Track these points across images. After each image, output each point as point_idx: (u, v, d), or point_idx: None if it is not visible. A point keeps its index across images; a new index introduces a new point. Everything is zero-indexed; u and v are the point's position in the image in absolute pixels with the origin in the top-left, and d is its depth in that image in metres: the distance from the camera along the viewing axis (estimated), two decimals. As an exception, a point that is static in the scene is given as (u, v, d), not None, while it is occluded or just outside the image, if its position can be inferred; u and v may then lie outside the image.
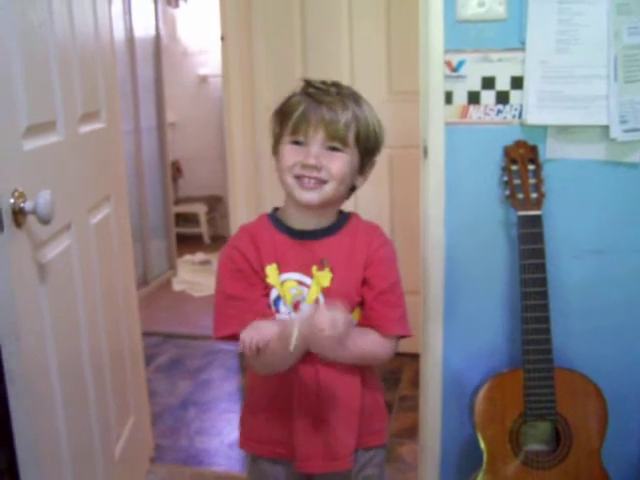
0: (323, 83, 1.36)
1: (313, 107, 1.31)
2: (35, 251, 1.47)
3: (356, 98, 1.37)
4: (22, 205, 1.35)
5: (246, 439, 1.50)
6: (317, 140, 1.31)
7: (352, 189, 1.44)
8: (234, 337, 1.34)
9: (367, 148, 1.37)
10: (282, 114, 1.36)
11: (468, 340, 1.98)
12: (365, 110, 1.37)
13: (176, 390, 3.12)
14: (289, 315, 1.37)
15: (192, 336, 3.71)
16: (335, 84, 1.37)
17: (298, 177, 1.32)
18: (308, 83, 1.36)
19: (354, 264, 1.38)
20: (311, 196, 1.32)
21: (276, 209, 1.45)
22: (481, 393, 1.84)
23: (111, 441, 1.98)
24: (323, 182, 1.32)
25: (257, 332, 1.24)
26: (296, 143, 1.33)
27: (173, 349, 3.61)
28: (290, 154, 1.33)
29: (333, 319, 1.19)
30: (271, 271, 1.36)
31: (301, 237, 1.39)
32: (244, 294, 1.36)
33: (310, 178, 1.31)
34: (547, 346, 1.75)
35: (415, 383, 2.36)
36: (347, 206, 1.50)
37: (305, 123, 1.31)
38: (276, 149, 1.39)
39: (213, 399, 3.01)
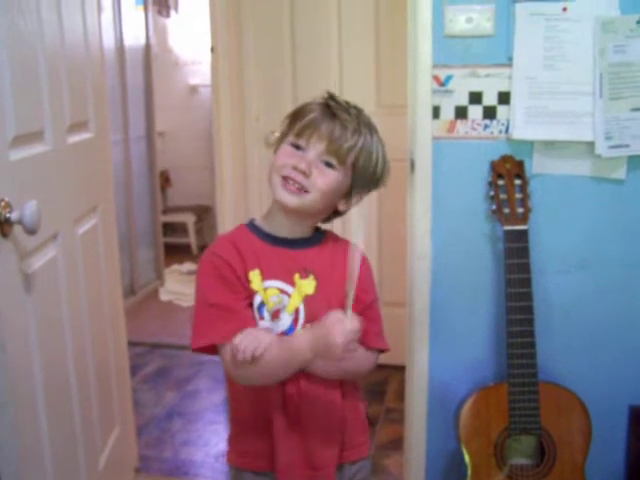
0: (346, 102, 1.35)
1: (327, 118, 1.31)
2: (21, 261, 1.46)
3: (372, 128, 1.36)
4: (8, 215, 1.35)
5: (233, 453, 1.48)
6: (316, 150, 1.30)
7: (336, 212, 1.43)
8: (213, 349, 1.33)
9: (362, 177, 1.35)
10: (294, 115, 1.36)
11: (454, 353, 1.99)
12: (374, 142, 1.35)
13: (162, 401, 3.10)
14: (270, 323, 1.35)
15: (179, 346, 3.68)
16: (357, 107, 1.36)
17: (284, 178, 1.31)
18: (331, 96, 1.35)
19: (336, 277, 1.37)
20: (290, 199, 1.31)
21: (253, 220, 1.44)
22: (466, 406, 1.84)
23: (95, 451, 1.97)
24: (305, 191, 1.31)
25: (252, 339, 1.23)
26: (296, 147, 1.32)
27: (159, 359, 3.60)
28: (285, 154, 1.33)
29: (344, 328, 1.21)
30: (254, 277, 1.34)
31: (282, 244, 1.38)
32: (227, 303, 1.33)
33: (295, 182, 1.30)
34: (532, 360, 1.76)
35: (401, 395, 2.36)
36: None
37: (312, 130, 1.30)
38: (277, 148, 1.38)
39: (199, 410, 3.00)
